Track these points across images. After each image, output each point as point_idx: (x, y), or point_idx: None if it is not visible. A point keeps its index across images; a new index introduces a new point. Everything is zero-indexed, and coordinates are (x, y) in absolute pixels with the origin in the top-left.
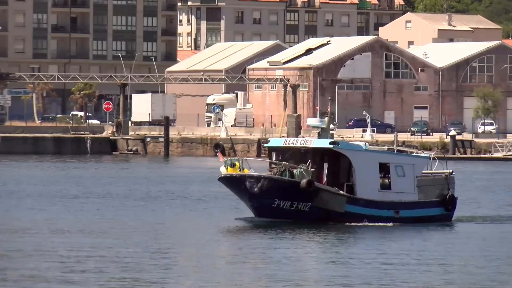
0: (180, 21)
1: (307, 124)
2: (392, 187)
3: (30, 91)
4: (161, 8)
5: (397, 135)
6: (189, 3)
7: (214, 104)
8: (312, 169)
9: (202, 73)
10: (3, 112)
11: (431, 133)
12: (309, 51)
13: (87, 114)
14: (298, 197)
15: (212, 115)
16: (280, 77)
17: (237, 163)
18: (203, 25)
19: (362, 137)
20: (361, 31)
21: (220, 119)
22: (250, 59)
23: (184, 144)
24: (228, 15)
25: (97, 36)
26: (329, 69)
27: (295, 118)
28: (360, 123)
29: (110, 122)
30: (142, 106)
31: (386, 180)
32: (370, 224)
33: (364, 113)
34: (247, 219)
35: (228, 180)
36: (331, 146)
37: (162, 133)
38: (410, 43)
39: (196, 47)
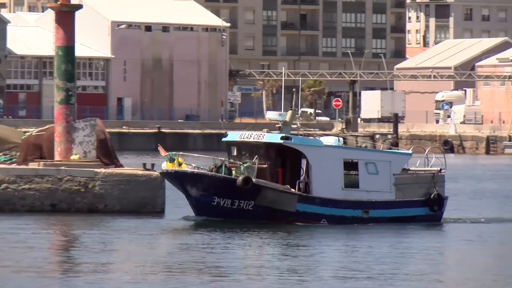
0: (409, 18)
1: (266, 117)
2: (361, 186)
3: (260, 88)
4: (390, 5)
5: None
6: (418, 0)
7: (443, 101)
8: (265, 166)
9: (431, 70)
10: (233, 109)
11: None
12: None
13: (317, 111)
14: (238, 195)
15: (441, 112)
16: (509, 74)
17: (176, 158)
18: (432, 22)
19: None
20: None
21: (449, 116)
22: (479, 56)
23: (413, 141)
24: (457, 12)
25: (327, 33)
26: None
27: None
28: None
29: (340, 119)
30: (371, 103)
31: (354, 178)
32: (326, 224)
33: None
34: (191, 218)
35: (166, 176)
36: (282, 141)
37: (391, 130)
38: None
39: (425, 44)
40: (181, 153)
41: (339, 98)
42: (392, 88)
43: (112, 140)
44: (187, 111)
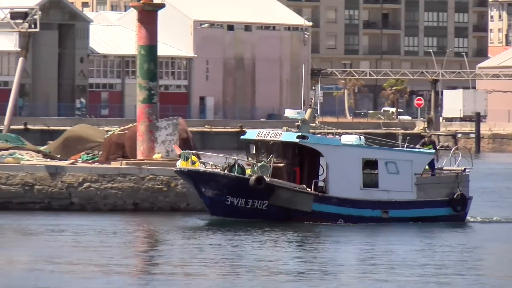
0: (491, 17)
1: (284, 115)
2: (380, 185)
3: (342, 87)
4: (472, 4)
5: None
6: None
7: None
8: (282, 165)
9: None
10: (315, 108)
11: None
12: None
13: (399, 109)
14: (252, 194)
15: None
16: None
17: (191, 157)
18: None
19: None
20: None
21: None
22: None
23: (495, 140)
24: None
25: (409, 32)
26: None
27: None
28: None
29: (421, 118)
30: (453, 102)
31: (373, 178)
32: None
33: None
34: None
35: (180, 174)
36: (298, 140)
37: (473, 129)
38: None
39: (507, 43)
40: (194, 151)
41: (421, 97)
42: (474, 87)
43: (194, 139)
44: (269, 110)
